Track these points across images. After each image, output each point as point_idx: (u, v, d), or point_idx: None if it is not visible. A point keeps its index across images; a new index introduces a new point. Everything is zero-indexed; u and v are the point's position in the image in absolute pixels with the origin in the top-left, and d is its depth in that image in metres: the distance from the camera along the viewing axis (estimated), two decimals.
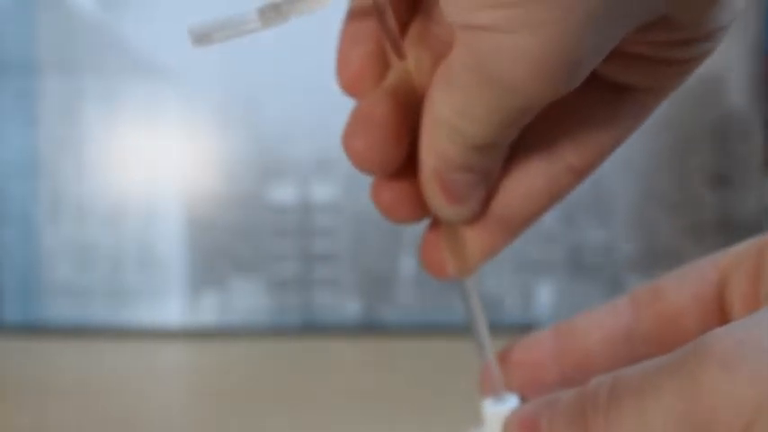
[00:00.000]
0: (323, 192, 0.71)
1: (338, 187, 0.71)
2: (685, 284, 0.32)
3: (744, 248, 0.32)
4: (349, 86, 0.31)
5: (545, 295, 0.71)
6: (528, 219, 0.33)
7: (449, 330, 0.70)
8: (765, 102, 0.71)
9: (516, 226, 0.33)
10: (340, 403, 0.58)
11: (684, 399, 0.26)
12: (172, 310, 0.72)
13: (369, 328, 0.72)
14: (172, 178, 0.72)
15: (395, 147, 0.31)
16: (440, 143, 0.30)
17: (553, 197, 0.33)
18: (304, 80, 0.70)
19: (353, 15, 0.31)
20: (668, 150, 0.70)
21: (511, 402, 0.32)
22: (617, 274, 0.71)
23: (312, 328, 0.72)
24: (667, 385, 0.26)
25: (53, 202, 0.72)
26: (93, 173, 0.72)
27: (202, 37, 0.30)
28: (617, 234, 0.71)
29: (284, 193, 0.72)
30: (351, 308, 0.72)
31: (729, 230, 0.71)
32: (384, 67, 0.31)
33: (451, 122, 0.30)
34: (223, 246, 0.72)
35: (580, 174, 0.33)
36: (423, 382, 0.61)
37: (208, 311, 0.72)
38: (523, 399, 0.33)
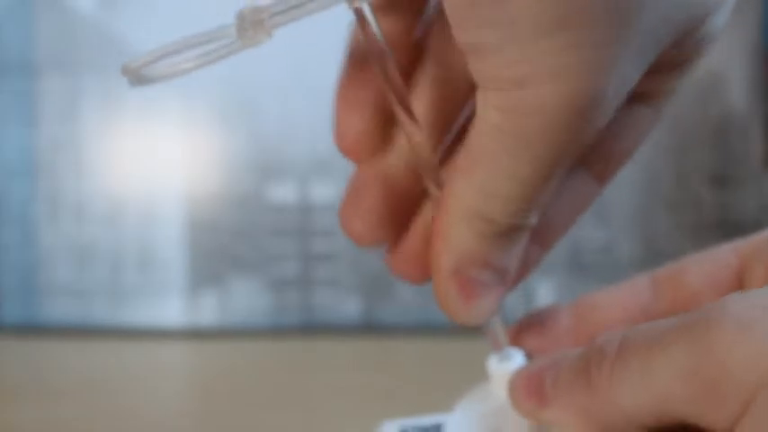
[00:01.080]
0: (323, 192, 0.71)
1: (338, 187, 0.71)
2: (705, 269, 0.32)
3: (765, 237, 0.32)
4: (348, 153, 0.31)
5: (545, 295, 0.71)
6: (559, 233, 0.32)
7: (449, 330, 0.70)
8: (765, 102, 0.71)
9: (548, 242, 0.32)
10: (340, 403, 0.58)
11: (694, 355, 0.26)
12: (172, 310, 0.72)
13: (368, 327, 0.72)
14: (172, 178, 0.72)
15: (390, 228, 0.31)
16: (460, 237, 0.29)
17: (581, 208, 0.32)
18: (304, 80, 0.70)
19: (348, 68, 0.30)
20: (668, 150, 0.70)
21: (516, 360, 0.32)
22: (617, 274, 0.71)
23: (312, 328, 0.72)
24: (677, 342, 0.26)
25: (53, 202, 0.72)
26: (92, 173, 0.72)
27: (141, 76, 0.27)
28: (617, 234, 0.71)
29: (284, 193, 0.72)
30: (351, 308, 0.72)
31: (729, 230, 0.71)
32: (385, 130, 0.31)
33: (476, 208, 0.29)
34: (223, 246, 0.72)
35: (604, 182, 0.32)
36: (422, 382, 0.61)
37: (208, 311, 0.72)
38: (529, 356, 0.32)
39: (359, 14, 0.29)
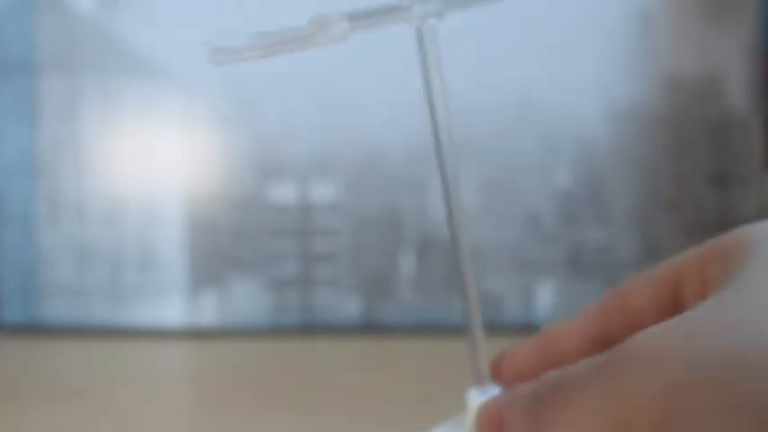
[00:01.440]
0: (323, 192, 0.71)
1: (338, 187, 0.71)
2: (646, 290, 0.33)
3: (695, 251, 0.33)
4: None
5: (545, 295, 0.71)
6: None
7: (448, 330, 0.70)
8: (765, 101, 0.71)
9: None
10: (340, 403, 0.58)
11: (605, 397, 0.27)
12: (172, 310, 0.72)
13: (368, 327, 0.72)
14: (172, 178, 0.72)
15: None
16: None
17: None
18: (304, 80, 0.70)
19: None
20: (668, 150, 0.70)
21: (492, 394, 0.33)
22: (617, 274, 0.71)
23: (312, 328, 0.72)
24: (591, 385, 0.28)
25: (53, 202, 0.72)
26: (92, 173, 0.72)
27: (217, 57, 0.28)
28: (617, 234, 0.71)
29: (284, 193, 0.72)
30: (350, 308, 0.72)
31: (729, 230, 0.71)
32: None
33: None
34: (223, 246, 0.72)
35: None
36: (422, 382, 0.61)
37: (208, 311, 0.72)
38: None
39: (420, 34, 0.30)
